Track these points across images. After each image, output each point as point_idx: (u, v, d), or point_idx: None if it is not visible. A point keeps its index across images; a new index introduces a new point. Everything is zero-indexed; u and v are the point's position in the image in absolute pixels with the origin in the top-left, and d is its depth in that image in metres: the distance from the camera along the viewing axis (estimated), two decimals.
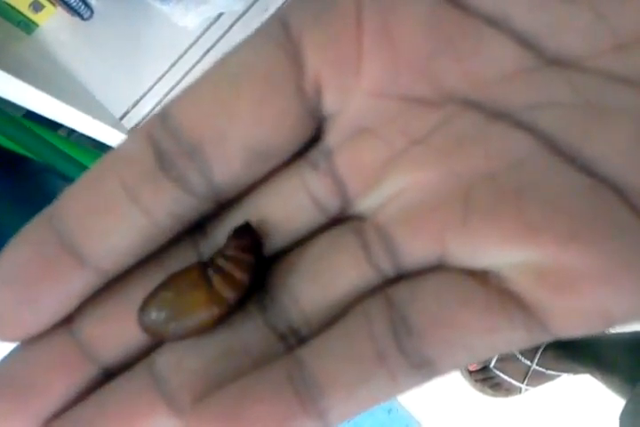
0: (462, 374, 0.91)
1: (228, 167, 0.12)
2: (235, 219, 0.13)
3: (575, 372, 0.81)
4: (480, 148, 0.12)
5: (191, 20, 0.55)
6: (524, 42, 0.11)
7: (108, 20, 0.56)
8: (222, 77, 0.12)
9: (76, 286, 0.12)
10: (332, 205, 0.13)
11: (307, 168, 0.13)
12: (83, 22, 0.56)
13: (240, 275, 0.13)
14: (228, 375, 0.12)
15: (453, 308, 0.11)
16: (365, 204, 0.13)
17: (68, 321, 0.13)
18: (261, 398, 0.11)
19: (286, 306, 0.13)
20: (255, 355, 0.13)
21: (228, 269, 0.13)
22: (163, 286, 0.13)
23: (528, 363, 0.85)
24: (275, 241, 0.13)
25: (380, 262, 0.12)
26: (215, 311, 0.13)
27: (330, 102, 0.12)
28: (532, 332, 0.11)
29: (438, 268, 0.12)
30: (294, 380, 0.12)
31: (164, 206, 0.12)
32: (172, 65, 0.56)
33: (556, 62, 0.11)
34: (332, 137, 0.13)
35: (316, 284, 0.13)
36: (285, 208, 0.13)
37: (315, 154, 0.13)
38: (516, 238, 0.11)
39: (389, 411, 0.92)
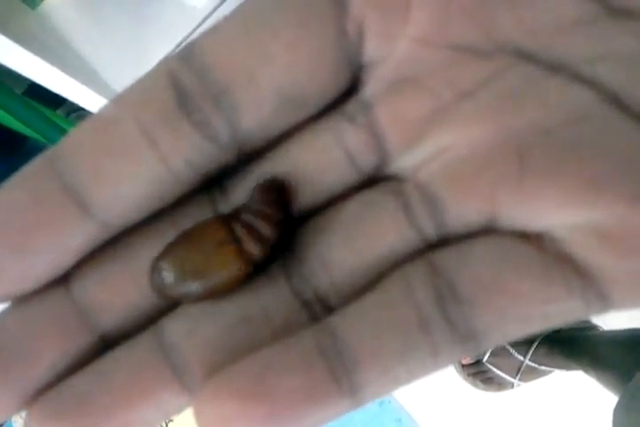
0: (455, 367, 0.91)
1: (256, 113, 0.11)
2: (259, 174, 0.12)
3: (568, 368, 0.82)
4: (536, 102, 0.11)
5: (200, 0, 0.54)
6: None
7: None
8: (256, 15, 0.11)
9: (76, 238, 0.11)
10: (369, 161, 0.12)
11: (342, 121, 0.12)
12: None
13: (269, 231, 0.12)
14: (245, 346, 0.11)
15: (507, 275, 0.10)
16: (405, 161, 0.12)
17: (64, 280, 0.12)
18: (288, 371, 0.10)
19: (314, 270, 0.12)
20: (276, 323, 0.11)
21: (256, 225, 0.12)
22: (178, 241, 0.12)
23: (521, 358, 0.85)
24: (303, 199, 0.12)
25: (422, 225, 0.11)
26: (242, 270, 0.12)
27: (372, 48, 0.11)
28: (590, 303, 0.10)
29: (487, 231, 0.11)
30: (325, 351, 0.10)
31: (182, 153, 0.11)
32: (179, 44, 0.55)
33: (621, 12, 0.11)
34: (371, 87, 0.12)
35: (349, 246, 0.12)
36: (316, 163, 0.12)
37: (352, 106, 0.12)
38: (577, 197, 0.10)
39: (380, 403, 0.91)
